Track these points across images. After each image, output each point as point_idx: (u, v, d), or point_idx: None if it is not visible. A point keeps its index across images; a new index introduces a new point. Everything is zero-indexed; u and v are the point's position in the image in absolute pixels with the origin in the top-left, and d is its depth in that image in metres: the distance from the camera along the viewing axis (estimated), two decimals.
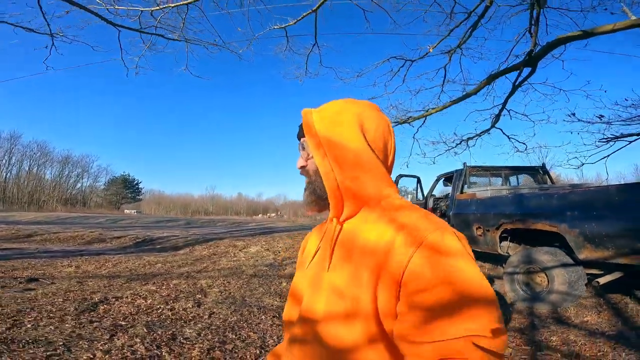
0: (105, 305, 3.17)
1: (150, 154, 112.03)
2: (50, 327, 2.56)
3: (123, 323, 2.75)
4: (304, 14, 4.68)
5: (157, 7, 3.73)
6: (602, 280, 3.20)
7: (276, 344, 2.50)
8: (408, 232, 0.49)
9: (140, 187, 59.92)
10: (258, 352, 2.39)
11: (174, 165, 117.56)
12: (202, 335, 2.61)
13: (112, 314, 2.96)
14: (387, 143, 0.62)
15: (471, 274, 0.45)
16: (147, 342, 2.37)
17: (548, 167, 5.92)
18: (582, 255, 3.19)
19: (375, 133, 0.60)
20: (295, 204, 70.97)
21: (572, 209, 3.31)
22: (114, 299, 3.38)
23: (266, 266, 5.58)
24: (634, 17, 2.91)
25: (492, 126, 5.22)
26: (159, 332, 2.57)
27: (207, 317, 3.04)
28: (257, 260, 6.16)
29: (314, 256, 0.64)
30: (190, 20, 4.48)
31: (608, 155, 4.10)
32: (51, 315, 2.81)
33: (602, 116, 4.62)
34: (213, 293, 3.84)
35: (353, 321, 0.50)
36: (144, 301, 3.38)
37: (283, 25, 4.95)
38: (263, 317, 3.11)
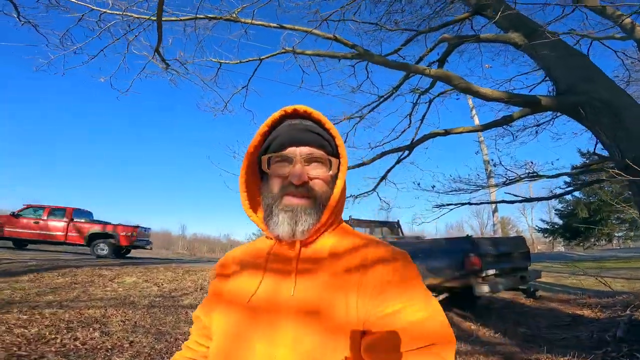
0: None
1: None
2: None
3: (24, 353, 2.25)
4: (250, 59, 5.13)
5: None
6: (438, 299, 4.80)
7: None
8: (376, 254, 0.55)
9: None
10: None
11: None
12: None
13: None
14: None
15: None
16: None
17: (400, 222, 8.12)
18: (426, 282, 4.72)
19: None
20: (150, 234, 60.43)
21: (420, 252, 4.93)
22: None
23: (158, 297, 5.08)
24: (479, 125, 4.78)
25: (374, 189, 6.74)
26: None
27: (128, 345, 2.78)
28: (141, 292, 5.48)
29: (258, 287, 0.57)
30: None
31: (438, 217, 6.05)
32: None
33: (434, 186, 6.20)
34: (115, 323, 3.39)
35: (336, 344, 0.50)
36: (26, 330, 2.74)
37: (220, 60, 5.19)
38: None
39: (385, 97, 6.47)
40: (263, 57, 5.13)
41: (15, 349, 2.29)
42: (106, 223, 10.60)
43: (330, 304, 0.52)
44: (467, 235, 4.74)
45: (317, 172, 0.59)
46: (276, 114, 0.62)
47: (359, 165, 6.45)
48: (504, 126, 5.64)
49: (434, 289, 4.87)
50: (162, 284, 6.33)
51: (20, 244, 10.54)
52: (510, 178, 5.16)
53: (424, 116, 6.21)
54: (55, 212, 10.17)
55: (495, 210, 13.52)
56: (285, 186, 0.58)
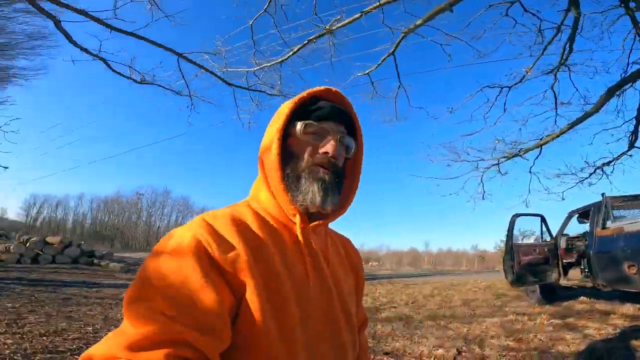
0: None
1: None
2: None
3: None
4: (383, 58, 4.94)
5: (257, 67, 4.51)
6: None
7: None
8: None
9: None
10: None
11: None
12: None
13: None
14: None
15: None
16: None
17: None
18: None
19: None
20: (398, 253, 69.95)
21: None
22: None
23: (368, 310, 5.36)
24: None
25: (632, 146, 4.15)
26: None
27: None
28: None
29: (292, 265, 0.56)
30: (286, 76, 5.23)
31: None
32: None
33: None
34: None
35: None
36: None
37: (366, 72, 5.21)
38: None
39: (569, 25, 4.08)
40: (392, 50, 4.83)
41: None
42: None
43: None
44: None
45: (344, 153, 0.63)
46: (321, 88, 0.63)
47: (580, 120, 4.28)
48: None
49: None
50: (377, 297, 6.67)
51: None
52: None
53: None
54: None
55: None
56: (318, 157, 0.58)
